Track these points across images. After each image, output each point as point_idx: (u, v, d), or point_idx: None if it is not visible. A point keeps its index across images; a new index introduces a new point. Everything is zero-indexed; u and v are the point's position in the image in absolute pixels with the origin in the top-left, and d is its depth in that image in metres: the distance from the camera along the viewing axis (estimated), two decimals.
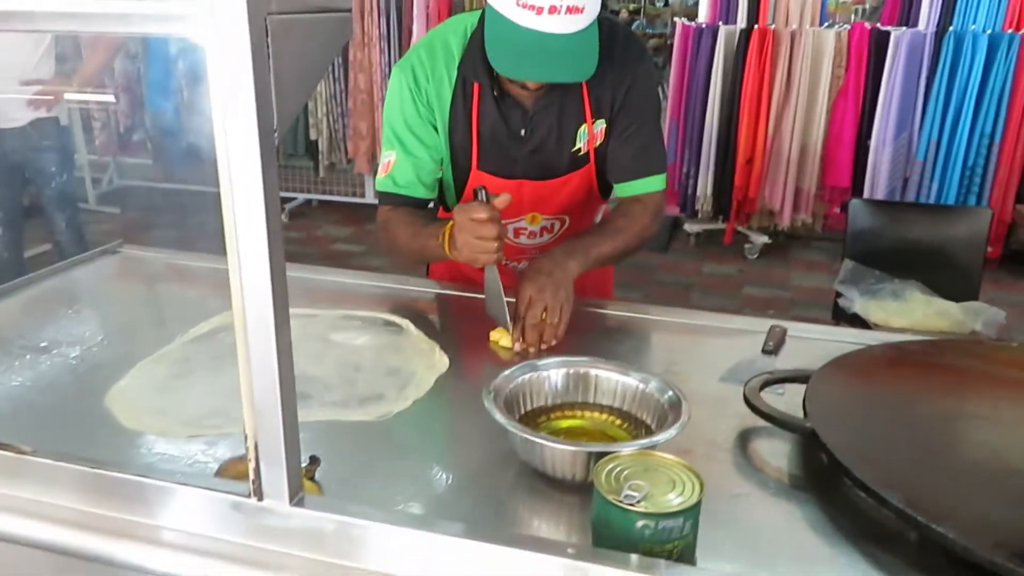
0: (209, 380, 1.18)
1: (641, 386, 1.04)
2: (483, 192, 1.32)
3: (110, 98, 5.48)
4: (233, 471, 0.90)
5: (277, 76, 0.69)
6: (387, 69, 5.19)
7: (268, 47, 0.67)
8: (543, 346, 1.31)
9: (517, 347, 1.30)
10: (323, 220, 5.57)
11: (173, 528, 0.82)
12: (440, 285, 1.62)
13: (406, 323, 1.39)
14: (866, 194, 4.47)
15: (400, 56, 5.11)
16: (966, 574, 0.78)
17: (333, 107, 5.37)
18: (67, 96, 3.44)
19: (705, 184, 4.86)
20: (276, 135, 0.69)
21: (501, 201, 1.31)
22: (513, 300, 1.33)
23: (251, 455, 0.78)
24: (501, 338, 1.32)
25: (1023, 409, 1.05)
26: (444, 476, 0.97)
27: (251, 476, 0.79)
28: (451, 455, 1.03)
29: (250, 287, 0.72)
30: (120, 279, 1.67)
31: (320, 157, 5.55)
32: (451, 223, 1.35)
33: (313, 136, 5.46)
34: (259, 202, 0.69)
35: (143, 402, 1.11)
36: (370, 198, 5.63)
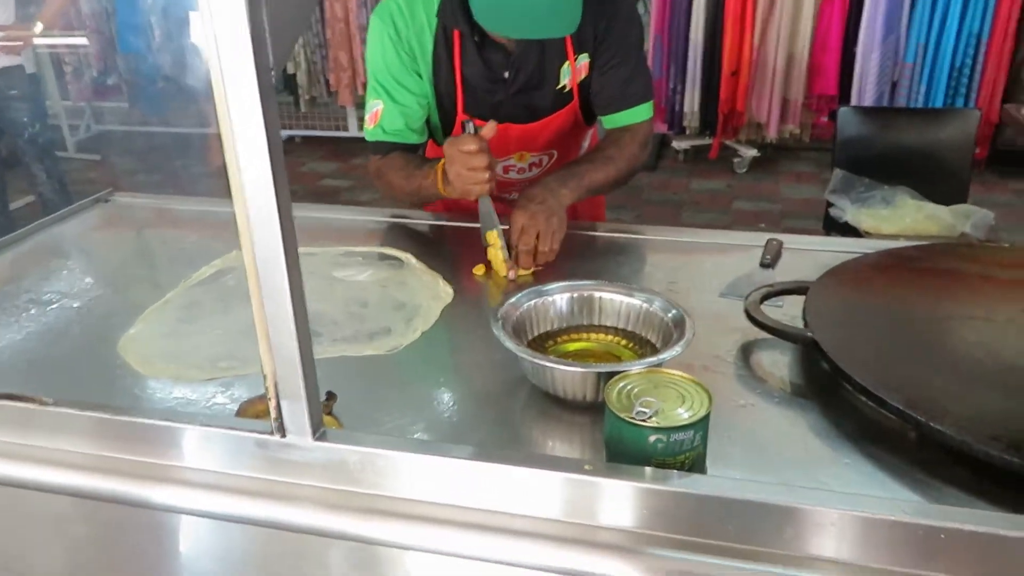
0: (218, 323, 1.19)
1: (645, 306, 1.06)
2: (470, 124, 1.33)
3: (81, 41, 5.33)
4: (253, 411, 0.92)
5: (270, 16, 0.67)
6: None
7: None
8: (535, 269, 1.34)
9: (511, 274, 1.32)
10: (308, 156, 5.50)
11: (201, 468, 0.84)
12: (435, 216, 1.62)
13: (407, 256, 1.40)
14: (854, 101, 4.44)
15: None
16: (964, 468, 0.82)
17: (310, 38, 5.24)
18: (35, 41, 3.35)
19: (692, 99, 4.81)
20: (273, 75, 0.69)
21: (488, 130, 1.32)
22: (507, 227, 1.34)
23: (271, 393, 0.80)
24: (484, 268, 1.34)
25: (1014, 308, 1.07)
26: (457, 404, 1.00)
27: (273, 414, 0.81)
28: (463, 383, 1.05)
29: (259, 227, 0.72)
30: (115, 228, 1.66)
31: (300, 91, 5.45)
32: (442, 161, 1.35)
33: (291, 70, 5.34)
34: (262, 143, 0.69)
35: (155, 348, 1.12)
36: (354, 131, 5.55)
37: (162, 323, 1.20)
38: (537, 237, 1.32)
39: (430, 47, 1.47)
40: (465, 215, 1.58)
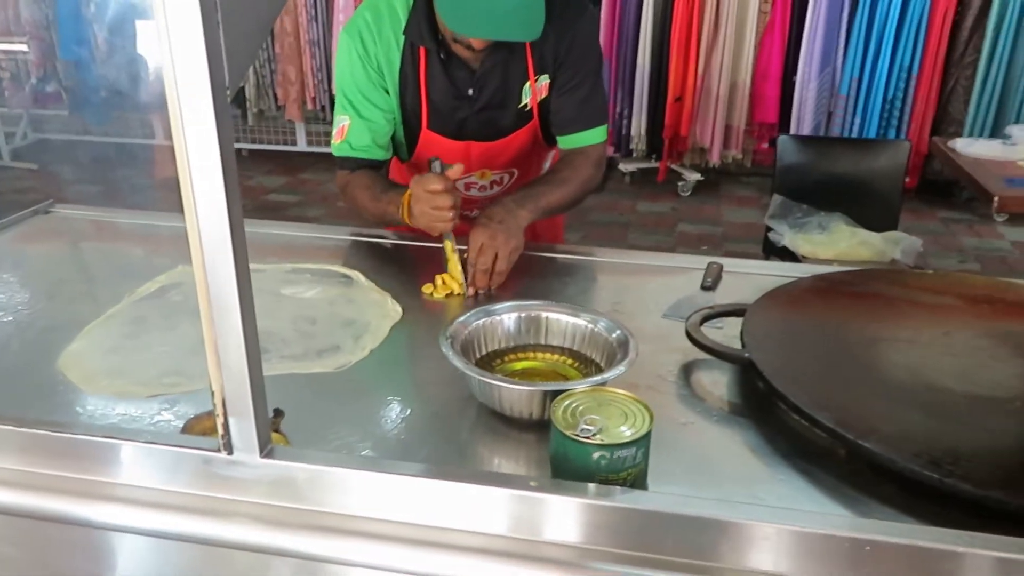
0: (163, 338, 1.18)
1: (590, 326, 1.09)
2: (437, 163, 1.34)
3: (20, 47, 5.19)
4: (199, 427, 0.91)
5: (226, 34, 0.68)
6: (312, 11, 5.03)
7: (216, 4, 0.67)
8: (488, 289, 1.36)
9: (469, 291, 1.34)
10: (255, 170, 5.44)
11: (145, 486, 0.83)
12: (383, 234, 1.63)
13: (356, 274, 1.40)
14: (793, 129, 4.59)
15: None
16: (891, 483, 0.86)
17: (259, 52, 5.19)
18: None
19: (639, 123, 4.91)
20: (229, 93, 0.70)
21: (455, 171, 1.34)
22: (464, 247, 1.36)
23: (219, 410, 0.80)
24: (435, 289, 1.35)
25: (936, 331, 1.13)
26: (405, 422, 1.00)
27: (220, 431, 0.81)
28: (411, 401, 1.06)
29: (210, 243, 0.73)
30: (55, 240, 1.63)
31: (247, 104, 5.39)
32: (407, 193, 1.37)
33: (239, 83, 5.29)
34: (215, 159, 0.69)
35: (98, 364, 1.10)
36: (303, 145, 5.51)
37: (105, 339, 1.18)
38: (495, 257, 1.34)
39: (397, 64, 1.49)
40: (420, 235, 1.59)
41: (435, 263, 1.40)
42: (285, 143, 5.61)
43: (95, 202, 1.77)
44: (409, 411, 1.03)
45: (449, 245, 1.36)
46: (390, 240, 1.60)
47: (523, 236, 1.40)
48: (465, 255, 1.36)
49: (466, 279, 1.35)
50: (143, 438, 0.84)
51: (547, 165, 1.72)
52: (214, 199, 0.71)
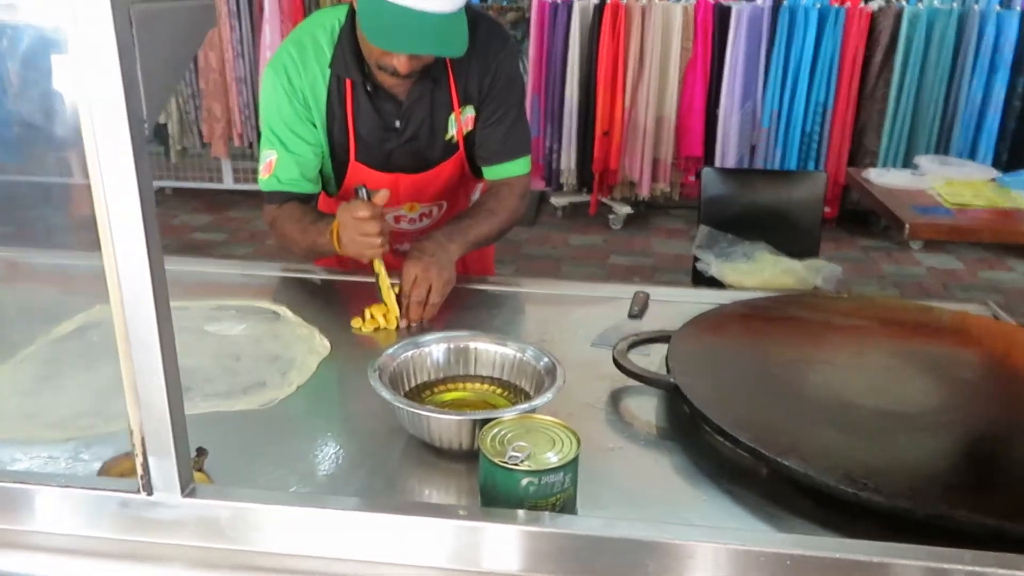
0: (79, 379, 1.15)
1: (518, 355, 1.11)
2: (363, 190, 1.36)
3: None
4: (117, 469, 0.89)
5: (144, 67, 0.69)
6: (239, 47, 5.00)
7: (133, 38, 0.67)
8: (422, 321, 1.38)
9: (402, 322, 1.36)
10: (179, 208, 5.33)
11: (59, 532, 0.81)
12: (311, 269, 1.62)
13: (282, 309, 1.39)
14: (718, 162, 4.74)
15: (252, 33, 4.94)
16: (809, 499, 0.90)
17: (183, 88, 5.13)
18: None
19: (568, 157, 5.00)
20: (147, 127, 0.70)
21: (381, 197, 1.36)
22: (398, 282, 1.38)
23: (137, 449, 0.78)
24: (364, 323, 1.36)
25: (851, 352, 1.19)
26: (334, 456, 1.00)
27: (139, 471, 0.79)
28: (340, 435, 1.06)
29: (128, 280, 0.72)
30: None
31: (171, 141, 5.30)
32: (336, 222, 1.38)
33: (162, 119, 5.20)
34: (133, 194, 0.69)
35: (8, 407, 1.07)
36: (229, 183, 5.43)
37: (16, 381, 1.15)
38: (429, 289, 1.36)
39: (324, 97, 1.50)
40: (342, 268, 1.59)
41: (364, 297, 1.41)
42: (211, 180, 5.51)
43: (8, 242, 1.72)
44: (338, 447, 1.02)
45: (382, 272, 1.37)
46: (318, 275, 1.60)
47: (455, 269, 1.42)
48: (397, 288, 1.37)
49: (400, 312, 1.36)
50: (58, 482, 0.81)
51: (475, 196, 1.75)
52: (132, 232, 0.71)
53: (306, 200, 1.56)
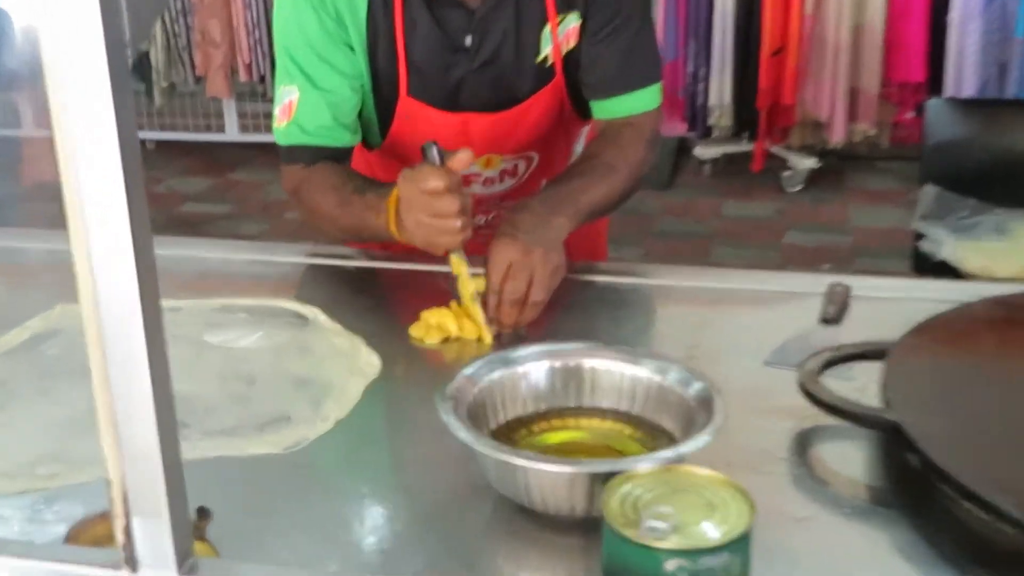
0: (35, 410, 1.19)
1: (656, 378, 1.09)
2: (434, 149, 1.34)
3: None
4: (89, 535, 0.92)
5: None
6: None
7: None
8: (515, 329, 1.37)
9: (491, 331, 1.35)
10: (165, 170, 5.51)
11: None
12: (355, 253, 1.65)
13: (313, 312, 1.42)
14: (949, 91, 4.59)
15: None
16: None
17: (171, 2, 5.29)
18: None
19: (721, 89, 4.93)
20: (130, 55, 0.72)
21: (461, 160, 1.34)
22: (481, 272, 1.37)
23: (118, 509, 0.81)
24: (428, 331, 1.36)
25: None
26: (388, 522, 1.01)
27: (120, 538, 0.82)
28: (396, 493, 1.07)
29: (104, 270, 0.74)
30: None
31: (155, 77, 5.48)
32: (394, 193, 1.38)
33: (143, 46, 5.39)
34: (113, 150, 0.71)
35: None
36: (233, 134, 5.58)
37: None
38: (528, 283, 1.35)
39: (363, 11, 1.51)
40: (411, 255, 1.60)
41: (429, 293, 1.42)
42: (208, 130, 5.68)
43: None
44: (394, 508, 1.04)
45: (461, 267, 1.37)
46: (361, 261, 1.62)
47: (564, 252, 1.41)
48: (481, 283, 1.37)
49: (485, 315, 1.36)
50: (11, 551, 0.85)
51: (578, 148, 1.74)
52: (110, 204, 0.72)
53: (342, 157, 1.58)
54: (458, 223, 1.33)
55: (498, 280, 1.35)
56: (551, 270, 1.36)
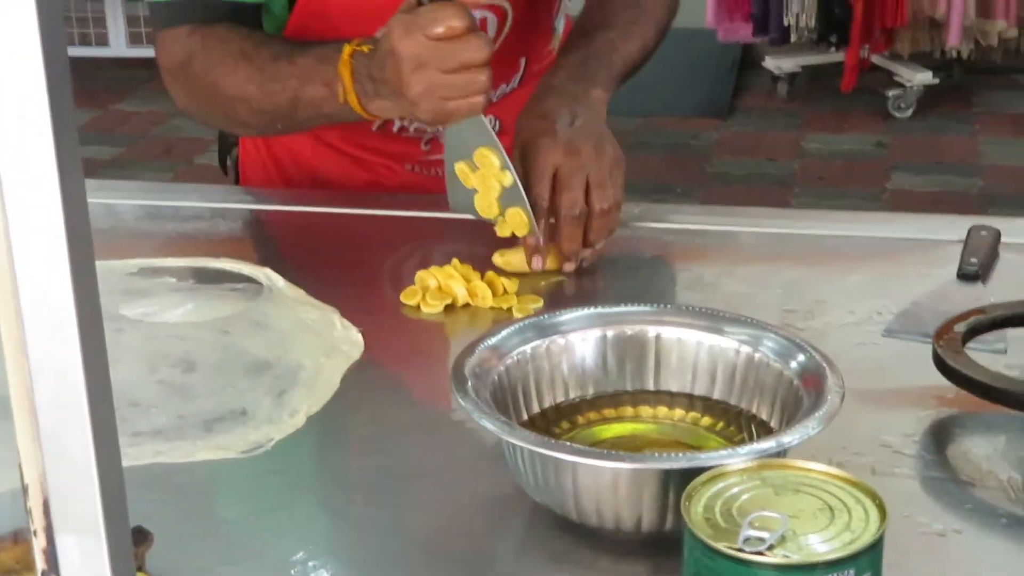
0: None
1: (745, 350, 1.11)
2: None
3: None
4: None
5: None
6: None
7: None
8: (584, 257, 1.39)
9: (536, 264, 1.37)
10: None
11: None
12: (321, 196, 1.67)
13: (266, 274, 1.44)
14: None
15: None
16: None
17: None
18: None
19: None
20: None
21: None
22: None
23: (37, 523, 0.84)
24: (425, 297, 1.35)
25: None
26: (381, 549, 1.03)
27: (40, 564, 0.85)
28: (391, 509, 1.08)
29: (20, 220, 0.77)
30: None
31: None
32: (347, 52, 1.37)
33: None
34: (36, 60, 0.74)
35: None
36: (120, 47, 5.54)
37: None
38: (588, 186, 1.36)
39: None
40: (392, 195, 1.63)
41: (426, 244, 1.45)
42: (85, 42, 5.64)
43: None
44: (389, 528, 1.05)
45: (490, 156, 1.35)
46: (328, 207, 1.63)
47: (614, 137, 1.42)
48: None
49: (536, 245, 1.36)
50: None
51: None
52: (31, 135, 0.75)
53: (248, 16, 1.55)
54: (484, 78, 1.32)
55: (544, 193, 1.36)
56: (608, 165, 1.38)
